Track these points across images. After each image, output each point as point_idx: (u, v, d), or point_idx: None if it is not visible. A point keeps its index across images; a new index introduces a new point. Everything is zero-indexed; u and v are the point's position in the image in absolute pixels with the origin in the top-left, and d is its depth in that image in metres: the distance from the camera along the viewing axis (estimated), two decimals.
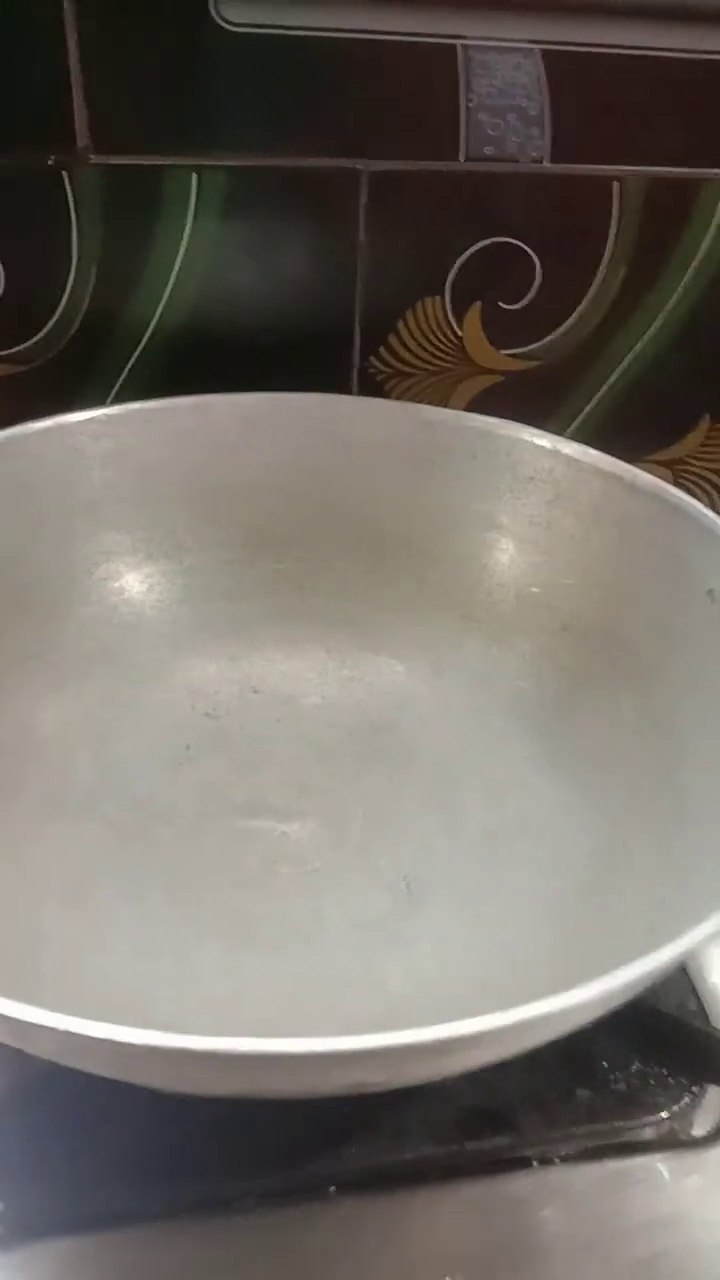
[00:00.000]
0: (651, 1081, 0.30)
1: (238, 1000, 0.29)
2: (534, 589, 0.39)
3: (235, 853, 0.34)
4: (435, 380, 0.46)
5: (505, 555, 0.39)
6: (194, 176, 0.40)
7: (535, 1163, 0.29)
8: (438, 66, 0.39)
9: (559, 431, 0.40)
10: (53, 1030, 0.20)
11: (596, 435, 0.47)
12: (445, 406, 0.46)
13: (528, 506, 0.39)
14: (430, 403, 0.46)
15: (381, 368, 0.45)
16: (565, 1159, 0.29)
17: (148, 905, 0.31)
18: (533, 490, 0.39)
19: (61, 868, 0.32)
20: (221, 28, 0.37)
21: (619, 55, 0.40)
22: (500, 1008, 0.24)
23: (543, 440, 0.38)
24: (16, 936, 0.29)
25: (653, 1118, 0.30)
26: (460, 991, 0.29)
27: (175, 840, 0.34)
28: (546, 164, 0.42)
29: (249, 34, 0.38)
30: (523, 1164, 0.29)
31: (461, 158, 0.41)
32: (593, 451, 0.38)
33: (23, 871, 0.31)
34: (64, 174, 0.39)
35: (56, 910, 0.30)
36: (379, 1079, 0.21)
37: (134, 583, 0.39)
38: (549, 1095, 0.30)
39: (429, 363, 0.45)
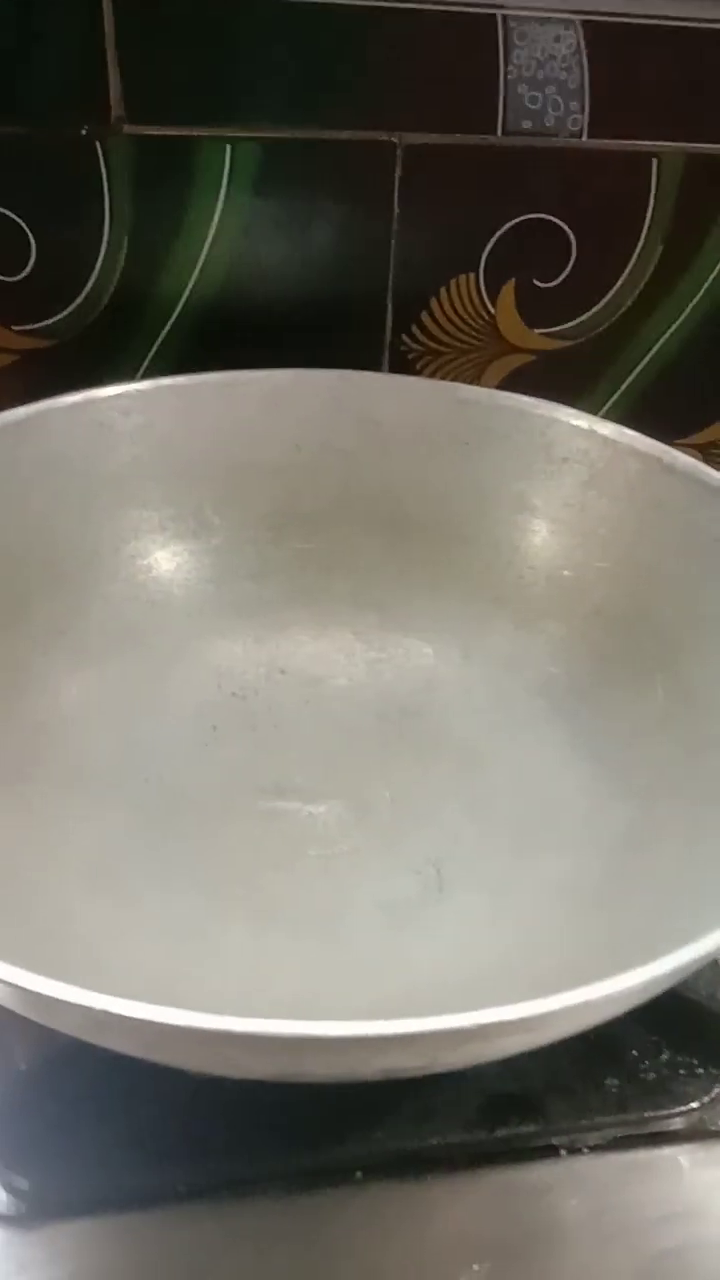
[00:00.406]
0: (681, 1071, 0.30)
1: (264, 981, 0.28)
2: (566, 572, 0.38)
3: (261, 834, 0.33)
4: (467, 358, 0.45)
5: (537, 537, 0.39)
6: (227, 148, 0.39)
7: (563, 1152, 0.28)
8: (476, 38, 0.38)
9: (591, 412, 0.40)
10: (88, 1009, 0.19)
11: (628, 416, 0.46)
12: (477, 385, 0.45)
13: (561, 488, 0.38)
14: (461, 381, 0.45)
15: (413, 345, 0.44)
16: (593, 1149, 0.29)
17: (174, 885, 0.31)
18: (567, 471, 0.38)
19: (87, 846, 0.32)
20: None
21: (660, 27, 0.39)
22: (531, 994, 0.23)
23: (579, 420, 0.38)
24: (43, 914, 0.28)
25: (682, 1108, 0.29)
26: (489, 976, 0.28)
27: (201, 820, 0.33)
28: (585, 139, 0.41)
29: (286, 4, 0.37)
30: (550, 1152, 0.28)
31: (498, 132, 0.40)
32: (629, 432, 0.37)
33: (49, 849, 0.31)
34: (97, 145, 0.38)
35: (82, 888, 0.30)
36: (419, 1063, 0.21)
37: (161, 560, 0.39)
38: (577, 1083, 0.29)
39: (461, 341, 0.45)
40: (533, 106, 0.40)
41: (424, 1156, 0.28)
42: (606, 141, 0.41)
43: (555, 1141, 0.28)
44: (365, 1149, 0.28)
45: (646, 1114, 0.29)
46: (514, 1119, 0.29)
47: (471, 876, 0.32)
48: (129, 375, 0.43)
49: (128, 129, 0.38)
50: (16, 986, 0.20)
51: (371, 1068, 0.20)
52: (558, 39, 0.39)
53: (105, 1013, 0.19)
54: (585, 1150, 0.29)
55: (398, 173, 0.41)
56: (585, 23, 0.39)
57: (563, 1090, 0.29)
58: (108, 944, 0.29)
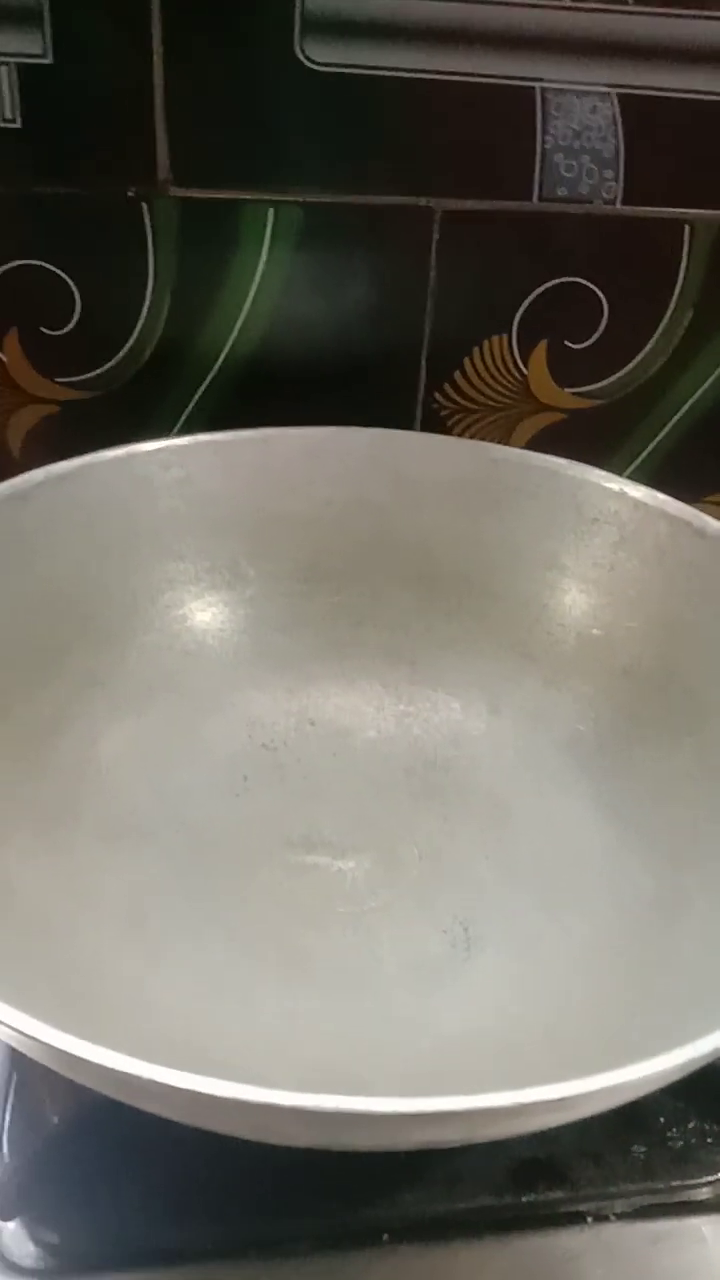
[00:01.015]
0: (709, 1139, 0.30)
1: (295, 1040, 0.28)
2: (595, 631, 0.38)
3: (291, 888, 0.34)
4: (498, 416, 0.46)
5: (567, 596, 0.39)
6: (270, 211, 0.40)
7: (589, 1219, 0.28)
8: (516, 108, 0.39)
9: (619, 471, 0.40)
10: (122, 1074, 0.20)
11: (656, 475, 0.47)
12: (506, 443, 0.46)
13: (591, 548, 0.39)
14: (492, 439, 0.46)
15: (445, 403, 0.45)
16: (620, 1216, 0.29)
17: (204, 938, 0.31)
18: (597, 532, 0.39)
19: (120, 897, 0.32)
20: (305, 66, 0.38)
21: (694, 100, 0.40)
22: (566, 1063, 0.24)
23: (610, 482, 0.38)
24: (75, 965, 0.29)
25: (709, 1178, 0.29)
26: (519, 1040, 0.28)
27: (232, 872, 0.34)
28: (619, 205, 0.42)
29: (332, 73, 0.38)
30: (577, 1219, 0.28)
31: (534, 198, 0.41)
32: (660, 495, 0.38)
33: (82, 899, 0.31)
34: (143, 205, 0.39)
35: (114, 940, 0.31)
36: (459, 1137, 0.21)
37: (196, 612, 0.40)
38: (604, 1149, 0.29)
39: (493, 399, 0.45)
40: (568, 174, 0.41)
41: (451, 1221, 0.28)
42: (640, 208, 0.42)
43: (582, 1208, 0.29)
44: (392, 1211, 0.28)
45: (674, 1182, 0.29)
46: (541, 1185, 0.29)
47: (499, 936, 0.32)
48: (166, 428, 0.43)
49: (173, 191, 0.39)
50: (50, 1046, 0.21)
51: (411, 1140, 0.21)
52: (594, 110, 0.40)
53: (139, 1078, 0.19)
54: (612, 1218, 0.29)
55: (435, 236, 0.42)
56: (621, 95, 0.40)
57: (590, 1156, 0.29)
58: (139, 997, 0.29)
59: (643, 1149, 0.29)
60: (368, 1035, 0.29)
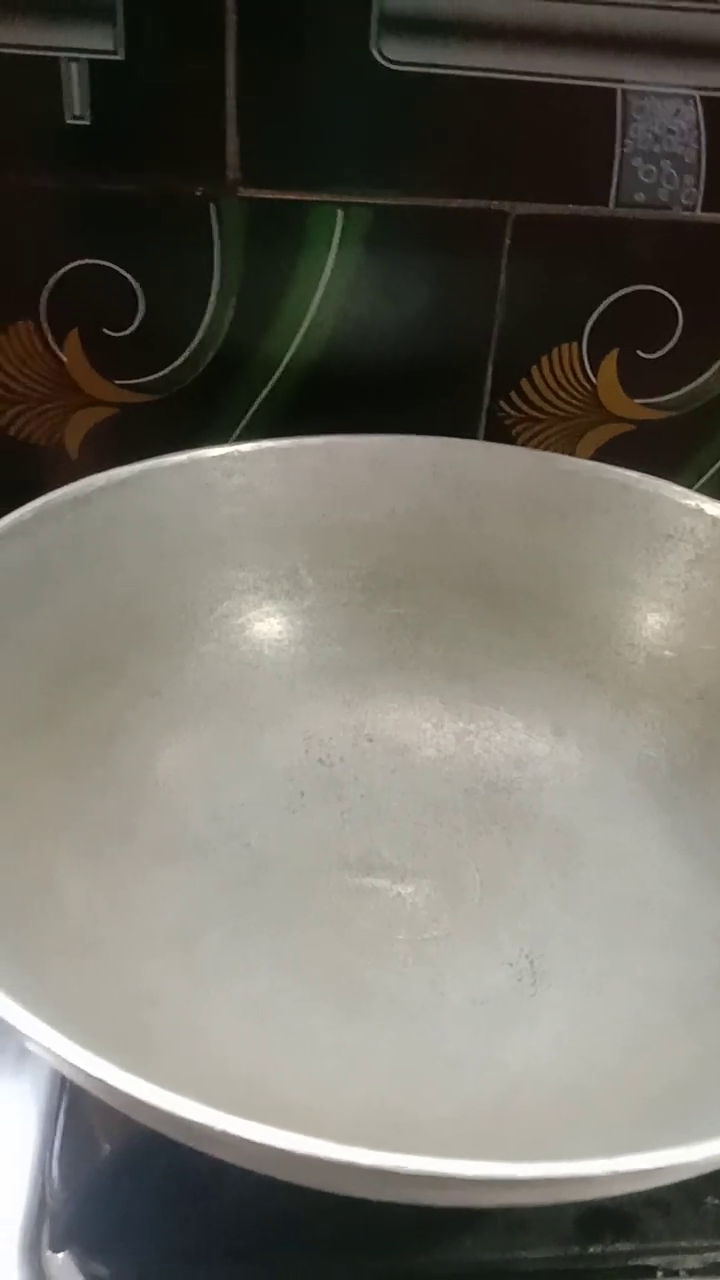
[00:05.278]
0: None
1: (354, 1076, 0.27)
2: (667, 652, 0.37)
3: (349, 912, 0.33)
4: (564, 426, 0.45)
5: (637, 614, 0.38)
6: (339, 213, 0.39)
7: (660, 1274, 0.27)
8: (595, 110, 0.38)
9: (688, 484, 0.39)
10: (182, 1120, 0.19)
11: None
12: (572, 453, 0.45)
13: (664, 566, 0.38)
14: (557, 449, 0.45)
15: (511, 412, 0.44)
16: (691, 1273, 0.27)
17: (261, 963, 0.30)
18: (671, 549, 0.37)
19: (174, 917, 0.31)
20: (380, 65, 0.37)
21: None
22: (634, 1103, 0.22)
23: (687, 499, 0.37)
24: (127, 994, 0.28)
25: None
26: (586, 1082, 0.27)
27: (287, 894, 0.33)
28: (699, 212, 0.41)
29: (406, 72, 0.37)
30: (646, 1274, 0.27)
31: (611, 203, 0.40)
32: None
33: (134, 918, 0.30)
34: (211, 206, 0.39)
35: (168, 963, 0.30)
36: (541, 1201, 0.20)
37: (254, 621, 0.39)
38: (673, 1200, 0.28)
39: (559, 408, 0.44)
40: (646, 180, 0.40)
41: (513, 1270, 0.27)
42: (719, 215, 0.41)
43: (652, 1262, 0.27)
44: (453, 1256, 0.27)
45: None
46: (609, 1235, 0.27)
47: (565, 972, 0.31)
48: (225, 433, 0.43)
49: (242, 191, 0.39)
50: (114, 1089, 0.20)
51: (490, 1201, 0.19)
52: (677, 113, 0.39)
53: (211, 1129, 0.18)
54: (682, 1273, 0.27)
55: (507, 241, 0.40)
56: (706, 99, 0.38)
57: (660, 1207, 0.28)
58: (193, 1024, 0.28)
59: (716, 1201, 0.28)
60: (428, 1072, 0.28)
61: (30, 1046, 0.20)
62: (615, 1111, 0.26)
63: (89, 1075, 0.19)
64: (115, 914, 0.30)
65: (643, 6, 0.37)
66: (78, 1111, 0.29)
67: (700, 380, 0.44)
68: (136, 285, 0.40)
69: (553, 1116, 0.26)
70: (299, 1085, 0.26)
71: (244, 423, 0.43)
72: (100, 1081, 0.18)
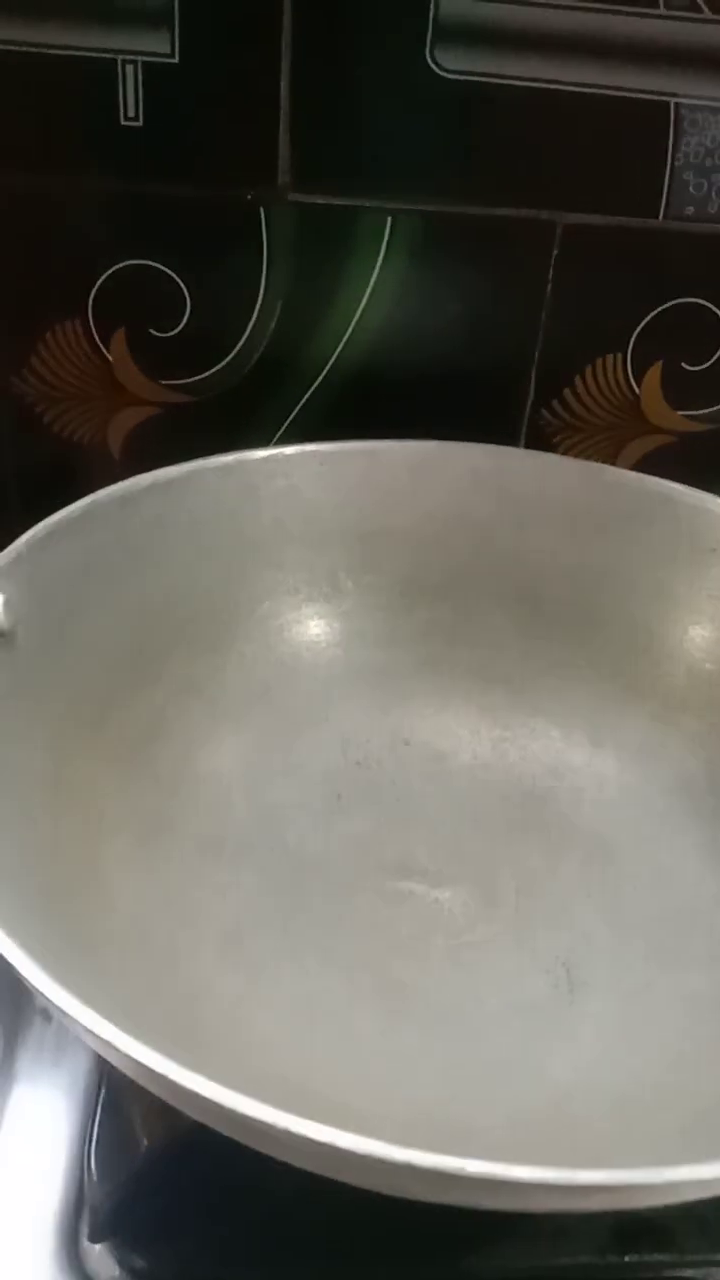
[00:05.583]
0: None
1: (396, 1078, 0.28)
2: (708, 665, 0.37)
3: (388, 916, 0.33)
4: (605, 436, 0.45)
5: (678, 627, 0.38)
6: (389, 219, 0.39)
7: None
8: (648, 122, 0.38)
9: None
10: (235, 1114, 0.19)
11: None
12: (613, 463, 0.45)
13: (707, 579, 0.38)
14: (598, 458, 0.45)
15: (552, 420, 0.44)
16: None
17: (304, 962, 0.31)
18: (714, 562, 0.37)
19: (218, 914, 0.31)
20: (434, 73, 0.37)
21: None
22: (685, 1115, 0.22)
23: None
24: (177, 987, 0.28)
25: None
26: (632, 1093, 0.27)
27: (328, 895, 0.33)
28: None
29: (460, 81, 0.37)
30: None
31: (660, 216, 0.40)
32: None
33: (182, 916, 0.30)
34: (261, 210, 0.39)
35: (214, 960, 0.30)
36: (595, 1208, 0.20)
37: (293, 623, 0.39)
38: (709, 1213, 0.28)
39: (601, 418, 0.44)
40: (697, 193, 0.40)
41: (552, 1277, 0.27)
42: None
43: (689, 1274, 0.27)
44: (491, 1263, 0.27)
45: None
46: (645, 1245, 0.27)
47: (604, 982, 0.31)
48: (267, 436, 0.43)
49: (293, 196, 0.39)
50: (174, 1083, 0.20)
51: (544, 1206, 0.19)
52: None
53: (273, 1126, 0.19)
54: None
55: (555, 251, 0.40)
56: None
57: (697, 1219, 0.28)
58: (239, 1021, 0.28)
59: None
60: (472, 1077, 0.28)
61: (88, 1040, 0.20)
62: (667, 1123, 0.26)
63: (154, 1073, 0.19)
64: (164, 912, 0.30)
65: (699, 20, 0.37)
66: (115, 1103, 0.29)
67: None
68: (184, 287, 0.40)
69: (605, 1126, 0.26)
70: (346, 1086, 0.26)
71: (284, 427, 0.43)
72: (169, 1081, 0.19)
